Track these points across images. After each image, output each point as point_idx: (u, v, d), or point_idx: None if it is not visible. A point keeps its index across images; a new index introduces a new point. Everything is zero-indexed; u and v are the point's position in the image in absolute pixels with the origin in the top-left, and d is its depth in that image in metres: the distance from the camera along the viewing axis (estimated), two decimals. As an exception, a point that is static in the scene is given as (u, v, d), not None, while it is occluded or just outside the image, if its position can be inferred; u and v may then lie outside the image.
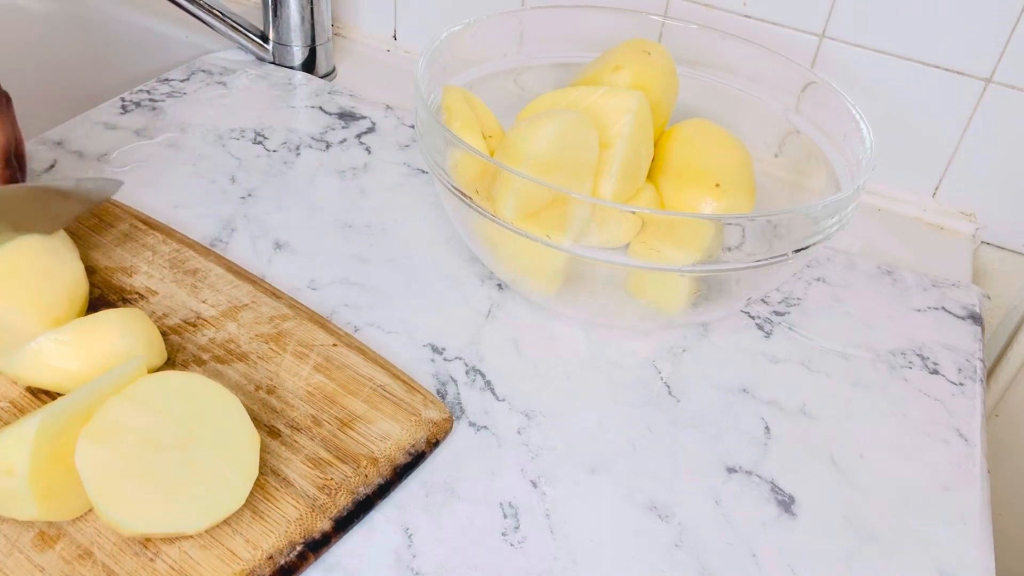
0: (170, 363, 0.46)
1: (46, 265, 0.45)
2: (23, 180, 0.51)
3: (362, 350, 0.48)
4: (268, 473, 0.41)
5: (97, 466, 0.37)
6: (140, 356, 0.42)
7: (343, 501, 0.41)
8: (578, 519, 0.43)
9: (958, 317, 0.58)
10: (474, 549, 0.41)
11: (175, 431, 0.39)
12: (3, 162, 0.48)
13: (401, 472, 0.43)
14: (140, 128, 0.66)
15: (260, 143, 0.66)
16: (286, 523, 0.39)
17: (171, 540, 0.38)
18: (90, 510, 0.39)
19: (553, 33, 0.62)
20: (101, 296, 0.49)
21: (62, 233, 0.48)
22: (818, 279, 0.60)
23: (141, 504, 0.37)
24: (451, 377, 0.49)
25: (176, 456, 0.38)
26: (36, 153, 0.62)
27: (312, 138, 0.68)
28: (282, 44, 0.75)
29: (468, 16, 0.58)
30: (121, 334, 0.43)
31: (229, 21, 0.75)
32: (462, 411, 0.47)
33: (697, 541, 0.43)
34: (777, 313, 0.57)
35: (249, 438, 0.39)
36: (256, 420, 0.43)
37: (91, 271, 0.51)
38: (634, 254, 0.50)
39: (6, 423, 0.42)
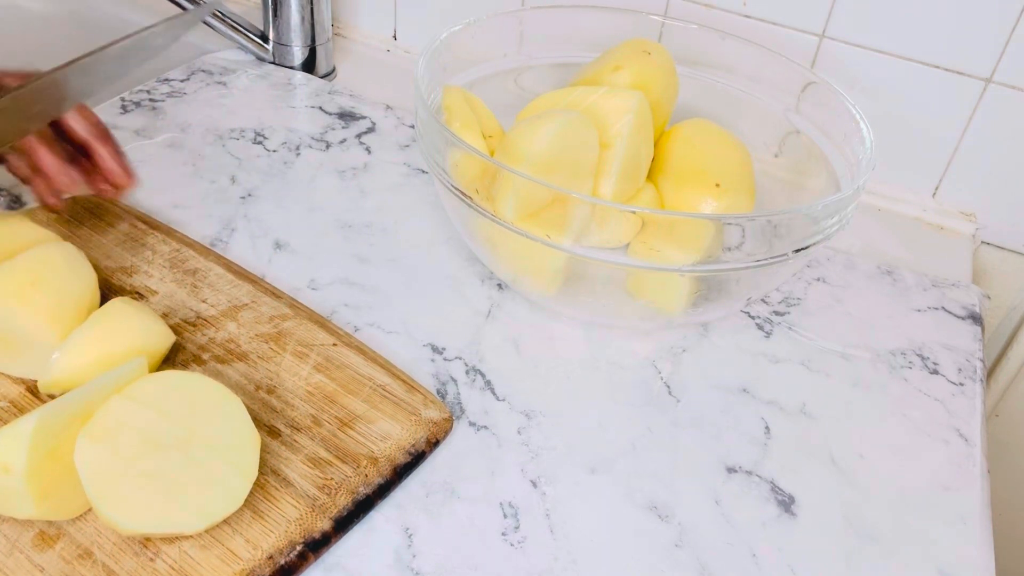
0: (170, 362, 0.46)
1: (66, 275, 0.44)
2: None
3: (362, 350, 0.48)
4: (268, 473, 0.41)
5: (97, 466, 0.37)
6: (141, 357, 0.42)
7: (343, 501, 0.40)
8: (578, 519, 0.43)
9: (958, 317, 0.58)
10: (474, 549, 0.41)
11: (175, 431, 0.39)
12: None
13: (401, 472, 0.43)
14: (140, 128, 0.66)
15: (260, 143, 0.66)
16: (286, 523, 0.39)
17: (171, 540, 0.38)
18: (89, 509, 0.39)
19: (553, 33, 0.62)
20: (101, 296, 0.49)
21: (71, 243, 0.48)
22: (818, 279, 0.60)
23: (141, 504, 0.37)
24: (451, 377, 0.49)
25: (176, 456, 0.38)
26: (36, 153, 0.62)
27: (312, 138, 0.68)
28: (282, 44, 0.75)
29: (468, 16, 0.58)
30: (139, 327, 0.43)
31: (229, 21, 0.75)
32: (462, 411, 0.47)
33: (697, 541, 0.43)
34: (777, 313, 0.57)
35: (250, 438, 0.39)
36: (256, 420, 0.43)
37: (91, 271, 0.51)
38: (634, 254, 0.50)
39: (5, 423, 0.42)
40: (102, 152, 0.49)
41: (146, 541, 0.38)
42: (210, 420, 0.39)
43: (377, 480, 0.42)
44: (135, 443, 0.38)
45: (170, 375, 0.41)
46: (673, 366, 0.52)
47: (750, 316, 0.56)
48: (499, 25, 0.60)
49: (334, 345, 0.48)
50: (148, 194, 0.60)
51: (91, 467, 0.37)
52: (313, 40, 0.75)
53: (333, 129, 0.69)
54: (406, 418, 0.44)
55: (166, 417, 0.39)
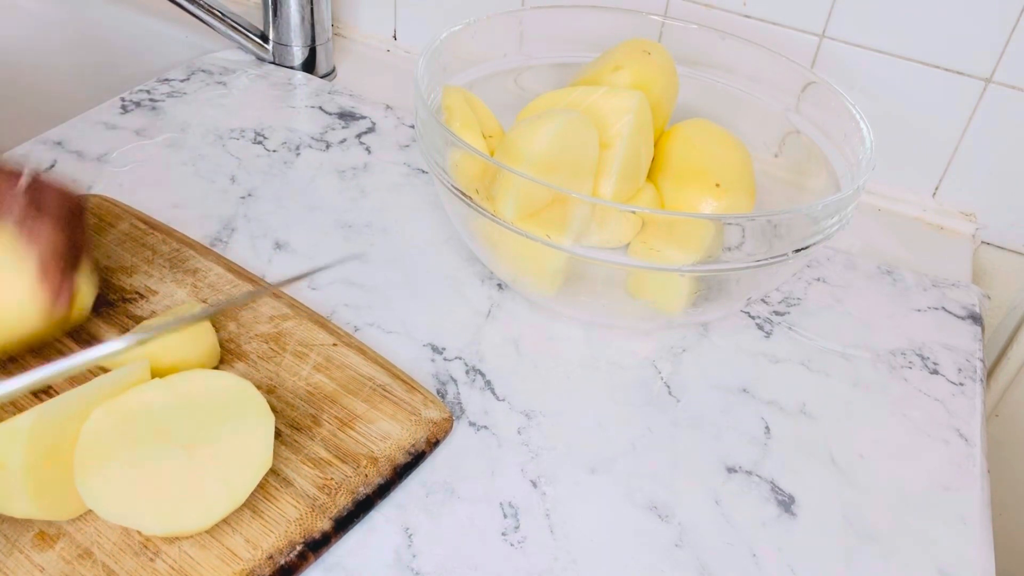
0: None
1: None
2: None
3: (362, 350, 0.48)
4: (268, 473, 0.41)
5: (95, 437, 0.37)
6: (144, 360, 0.42)
7: (343, 501, 0.40)
8: (578, 519, 0.43)
9: (958, 317, 0.58)
10: (474, 549, 0.41)
11: (190, 429, 0.39)
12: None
13: (401, 472, 0.43)
14: (140, 128, 0.66)
15: (260, 143, 0.66)
16: (286, 523, 0.39)
17: (171, 540, 0.38)
18: (89, 511, 0.39)
19: (553, 33, 0.62)
20: (101, 296, 0.49)
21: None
22: (818, 279, 0.60)
23: (118, 489, 0.37)
24: (451, 377, 0.49)
25: (177, 453, 0.38)
26: (36, 153, 0.62)
27: (312, 138, 0.68)
28: (282, 44, 0.75)
29: (468, 16, 0.58)
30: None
31: (229, 21, 0.75)
32: (462, 411, 0.47)
33: (697, 541, 0.43)
34: (777, 313, 0.57)
35: (264, 432, 0.39)
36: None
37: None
38: (634, 254, 0.50)
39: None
40: None
41: (146, 540, 0.38)
42: (233, 428, 0.39)
43: (377, 480, 0.42)
44: (146, 430, 0.38)
45: (218, 375, 0.41)
46: (673, 366, 0.52)
47: (750, 316, 0.56)
48: (499, 25, 0.60)
49: (334, 345, 0.48)
50: (148, 194, 0.60)
51: (92, 439, 0.37)
52: (313, 40, 0.75)
53: (333, 129, 0.69)
54: (406, 418, 0.44)
55: (190, 413, 0.39)
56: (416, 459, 0.43)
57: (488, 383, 0.49)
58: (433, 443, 0.44)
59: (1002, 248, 0.68)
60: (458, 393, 0.48)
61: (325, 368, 0.46)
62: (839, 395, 0.51)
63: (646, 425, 0.48)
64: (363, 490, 0.41)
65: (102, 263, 0.52)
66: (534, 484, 0.44)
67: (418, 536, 0.41)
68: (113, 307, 0.49)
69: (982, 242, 0.68)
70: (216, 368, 0.46)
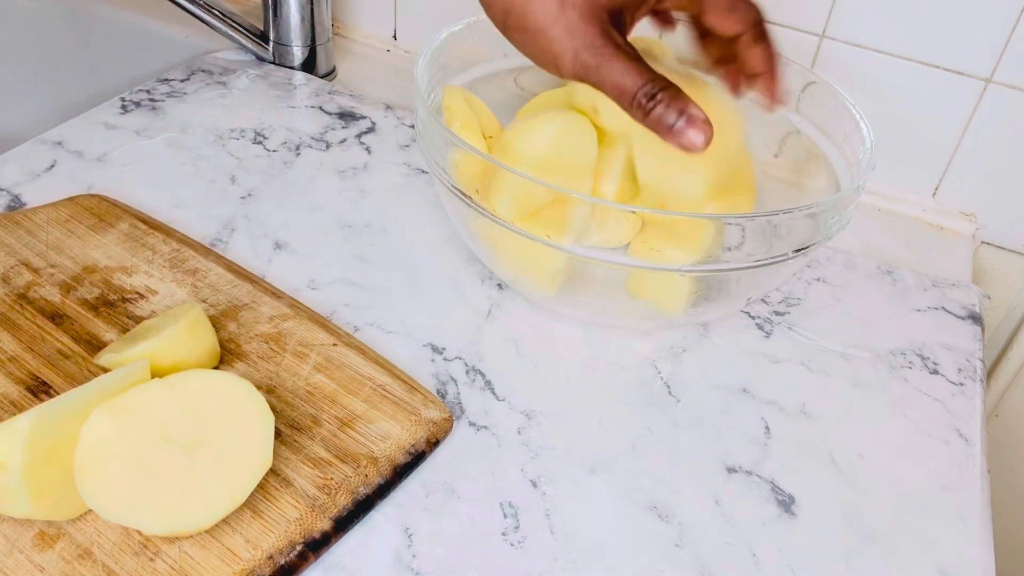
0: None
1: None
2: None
3: (362, 350, 0.48)
4: (268, 473, 0.41)
5: (97, 439, 0.37)
6: (144, 360, 0.42)
7: (343, 501, 0.41)
8: (578, 519, 0.43)
9: (958, 317, 0.58)
10: (474, 549, 0.41)
11: (192, 431, 0.38)
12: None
13: (401, 472, 0.43)
14: (140, 128, 0.66)
15: (260, 143, 0.66)
16: (286, 523, 0.39)
17: (171, 540, 0.38)
18: (89, 511, 0.39)
19: (553, 33, 0.62)
20: (101, 295, 0.49)
21: None
22: (818, 279, 0.60)
23: (119, 490, 0.37)
24: (451, 377, 0.49)
25: (179, 456, 0.38)
26: (36, 153, 0.62)
27: (312, 138, 0.68)
28: (282, 44, 0.75)
29: (468, 16, 0.58)
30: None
31: (229, 21, 0.75)
32: (462, 411, 0.47)
33: (697, 541, 0.43)
34: (777, 313, 0.57)
35: (264, 432, 0.39)
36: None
37: (91, 271, 0.51)
38: (634, 254, 0.50)
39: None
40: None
41: (146, 540, 0.38)
42: (232, 428, 0.39)
43: (377, 480, 0.42)
44: (146, 430, 0.38)
45: (217, 375, 0.41)
46: (673, 366, 0.52)
47: (750, 316, 0.56)
48: (499, 25, 0.60)
49: (334, 345, 0.48)
50: (148, 194, 0.60)
51: (92, 439, 0.37)
52: (313, 40, 0.75)
53: (333, 129, 0.69)
54: (406, 418, 0.44)
55: (190, 414, 0.39)
56: (416, 459, 0.43)
57: (488, 383, 0.49)
58: (433, 443, 0.44)
59: (1002, 248, 0.68)
60: (458, 393, 0.48)
61: (325, 368, 0.46)
62: (839, 395, 0.51)
63: (646, 425, 0.48)
64: (363, 490, 0.41)
65: (102, 263, 0.52)
66: (534, 484, 0.44)
67: (418, 536, 0.41)
68: (113, 307, 0.49)
69: (982, 242, 0.68)
70: (216, 368, 0.46)
